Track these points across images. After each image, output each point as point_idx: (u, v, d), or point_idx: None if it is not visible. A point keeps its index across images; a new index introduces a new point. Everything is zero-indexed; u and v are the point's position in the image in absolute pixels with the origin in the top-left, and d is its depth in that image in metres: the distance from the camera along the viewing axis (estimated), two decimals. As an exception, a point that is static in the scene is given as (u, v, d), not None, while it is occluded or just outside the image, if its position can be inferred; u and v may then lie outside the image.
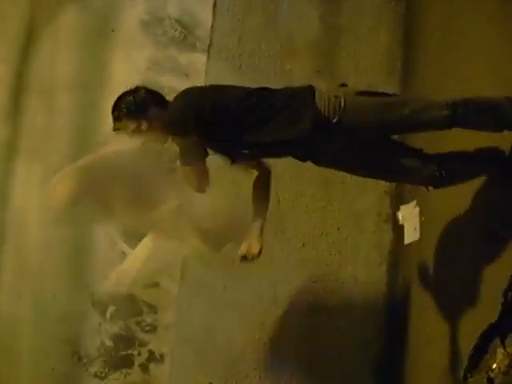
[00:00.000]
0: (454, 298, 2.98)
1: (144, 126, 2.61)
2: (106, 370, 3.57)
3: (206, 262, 3.55)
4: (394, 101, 2.60)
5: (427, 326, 3.22)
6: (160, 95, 2.70)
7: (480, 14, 2.99)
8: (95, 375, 3.57)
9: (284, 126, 2.50)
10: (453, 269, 3.01)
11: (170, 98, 2.68)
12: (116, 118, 2.66)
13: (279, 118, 2.51)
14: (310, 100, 2.49)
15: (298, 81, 3.72)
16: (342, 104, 2.47)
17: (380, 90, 3.67)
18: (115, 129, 2.66)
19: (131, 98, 2.65)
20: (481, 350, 2.53)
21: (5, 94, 3.76)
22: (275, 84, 3.58)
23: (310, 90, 2.54)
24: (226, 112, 2.52)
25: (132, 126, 2.62)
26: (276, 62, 3.79)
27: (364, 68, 3.84)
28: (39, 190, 3.55)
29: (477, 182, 2.83)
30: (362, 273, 3.65)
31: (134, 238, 3.64)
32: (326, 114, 2.47)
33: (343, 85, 2.71)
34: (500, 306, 2.44)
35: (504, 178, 2.63)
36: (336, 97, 2.49)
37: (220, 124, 2.51)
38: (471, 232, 2.88)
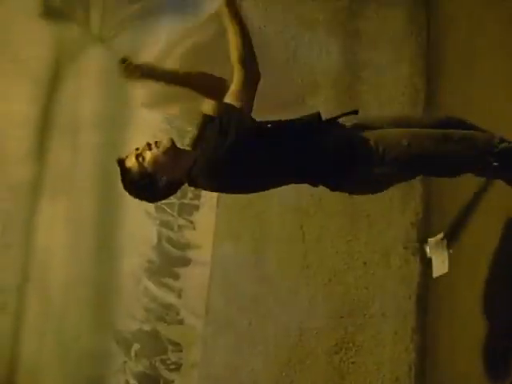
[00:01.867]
0: (486, 332, 2.90)
1: None
2: (131, 410, 3.53)
3: (230, 297, 3.52)
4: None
5: (458, 362, 3.13)
6: None
7: (501, 43, 2.98)
8: (120, 415, 3.53)
9: None
10: (484, 301, 2.93)
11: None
12: None
13: None
14: None
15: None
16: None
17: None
18: None
19: None
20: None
21: (31, 132, 3.82)
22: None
23: None
24: None
25: None
26: (298, 97, 3.80)
27: (387, 100, 3.81)
28: (63, 228, 3.58)
29: (505, 210, 2.77)
30: (391, 307, 3.58)
31: (157, 275, 3.65)
32: None
33: (355, 112, 2.60)
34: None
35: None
36: None
37: None
38: (502, 262, 2.81)
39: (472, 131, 2.49)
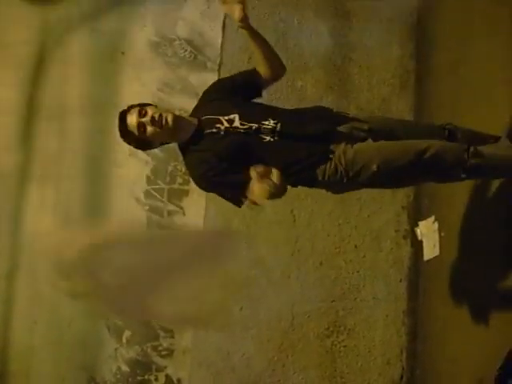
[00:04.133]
0: (477, 315, 2.91)
1: None
2: (123, 396, 3.53)
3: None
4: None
5: (450, 345, 3.14)
6: None
7: (495, 23, 2.94)
8: (112, 401, 3.53)
9: None
10: (474, 284, 2.94)
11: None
12: None
13: None
14: None
15: (309, 97, 3.70)
16: None
17: (394, 103, 3.72)
18: None
19: None
20: (507, 370, 2.45)
21: (16, 118, 3.77)
22: (287, 101, 3.59)
23: None
24: None
25: None
26: (287, 79, 3.76)
27: (377, 82, 3.79)
28: (51, 214, 3.55)
29: (497, 194, 2.77)
30: (382, 290, 3.58)
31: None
32: None
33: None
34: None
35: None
36: None
37: None
38: (492, 246, 2.81)
39: (449, 144, 2.48)
